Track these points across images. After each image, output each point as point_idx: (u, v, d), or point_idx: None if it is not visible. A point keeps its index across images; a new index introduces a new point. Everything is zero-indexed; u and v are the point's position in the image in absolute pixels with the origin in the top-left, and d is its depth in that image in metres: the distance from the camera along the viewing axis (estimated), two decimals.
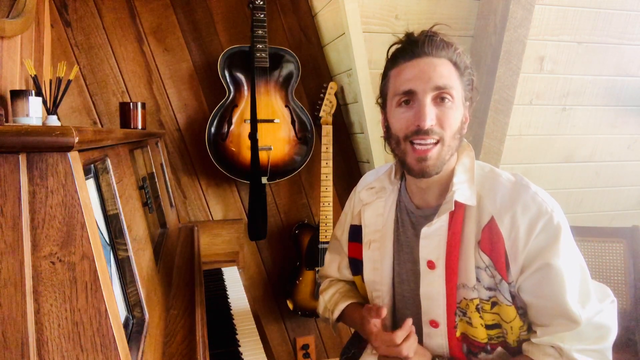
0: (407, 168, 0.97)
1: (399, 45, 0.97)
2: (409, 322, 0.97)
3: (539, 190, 0.94)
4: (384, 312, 0.98)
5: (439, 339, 1.02)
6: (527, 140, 2.14)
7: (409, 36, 0.96)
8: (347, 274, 1.21)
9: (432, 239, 0.97)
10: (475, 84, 0.99)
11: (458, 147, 0.97)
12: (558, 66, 2.02)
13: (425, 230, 0.98)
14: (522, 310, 0.96)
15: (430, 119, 0.90)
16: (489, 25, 1.88)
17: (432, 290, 0.99)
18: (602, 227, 1.86)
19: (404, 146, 0.95)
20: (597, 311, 0.92)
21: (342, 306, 1.17)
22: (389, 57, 0.99)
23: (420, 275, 1.00)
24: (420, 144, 0.92)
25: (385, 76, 1.00)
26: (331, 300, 1.20)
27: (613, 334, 0.94)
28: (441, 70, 0.91)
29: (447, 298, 0.98)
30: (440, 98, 0.92)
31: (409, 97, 0.93)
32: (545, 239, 0.89)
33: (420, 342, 1.03)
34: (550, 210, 0.90)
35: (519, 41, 1.83)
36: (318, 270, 2.15)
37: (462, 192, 0.94)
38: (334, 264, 1.24)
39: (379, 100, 1.03)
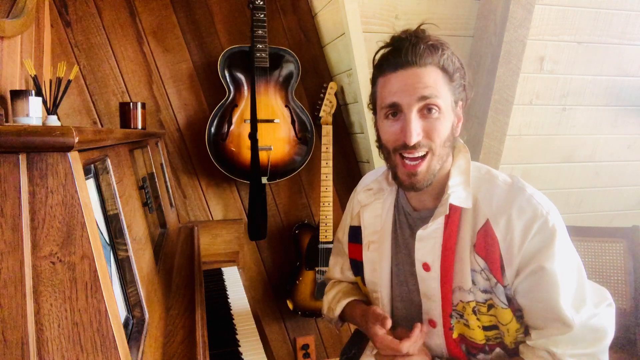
0: (399, 182, 0.97)
1: (385, 51, 0.95)
2: (417, 330, 0.96)
3: (535, 193, 0.93)
4: (389, 323, 0.97)
5: (436, 338, 1.02)
6: (527, 140, 2.14)
7: (394, 42, 0.93)
8: (349, 275, 1.21)
9: (427, 242, 0.97)
10: (470, 82, 0.97)
11: (450, 153, 0.97)
12: (558, 66, 2.02)
13: (420, 233, 0.97)
14: (519, 313, 0.96)
15: (416, 135, 0.89)
16: (489, 25, 1.88)
17: (428, 292, 0.99)
18: (602, 227, 1.86)
19: (394, 158, 0.95)
20: (592, 315, 0.92)
21: (343, 303, 1.17)
22: (374, 63, 0.97)
23: (418, 278, 1.00)
24: (409, 158, 0.92)
25: (373, 83, 0.99)
26: (334, 300, 1.21)
27: (609, 337, 0.94)
28: (426, 80, 0.89)
29: (442, 300, 0.98)
30: (427, 109, 0.90)
31: (395, 110, 0.92)
32: (540, 242, 0.89)
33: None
34: (546, 213, 0.89)
35: (519, 41, 1.82)
36: (318, 271, 2.15)
37: (457, 194, 0.94)
38: (338, 267, 1.24)
39: (370, 106, 1.03)
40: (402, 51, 0.90)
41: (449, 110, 0.93)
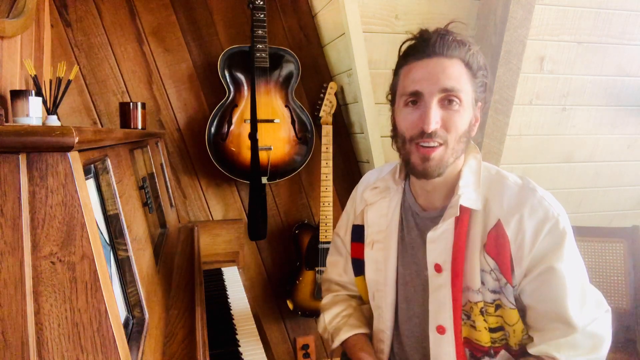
0: (411, 168, 0.96)
1: (411, 42, 0.95)
2: None
3: (546, 194, 0.93)
4: None
5: (445, 346, 0.99)
6: (527, 140, 2.14)
7: (422, 33, 0.94)
8: (351, 275, 1.19)
9: (439, 243, 0.96)
10: (490, 84, 0.97)
11: (464, 150, 0.96)
12: (558, 66, 2.02)
13: (431, 235, 0.97)
14: (523, 313, 0.96)
15: (434, 123, 0.89)
16: (489, 25, 1.88)
17: (439, 294, 0.98)
18: (602, 227, 1.87)
19: (409, 147, 0.94)
20: (593, 318, 0.92)
21: (342, 337, 1.14)
22: (400, 53, 0.97)
23: (429, 280, 0.99)
24: (424, 146, 0.92)
25: (396, 73, 0.99)
26: (331, 324, 1.17)
27: (607, 343, 0.94)
28: (451, 71, 0.90)
29: (453, 301, 0.97)
30: (447, 100, 0.90)
31: (416, 98, 0.92)
32: (550, 243, 0.89)
33: (427, 350, 1.01)
34: (557, 215, 0.90)
35: (519, 41, 1.83)
36: (318, 271, 2.15)
37: (467, 196, 0.94)
38: (338, 266, 1.21)
39: (389, 97, 1.02)
40: (430, 41, 0.91)
41: (469, 105, 0.93)
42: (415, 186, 1.04)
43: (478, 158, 1.00)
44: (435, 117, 0.90)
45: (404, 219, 1.06)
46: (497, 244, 0.92)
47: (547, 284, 0.90)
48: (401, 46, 0.97)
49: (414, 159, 0.94)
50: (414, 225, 1.04)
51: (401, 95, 0.95)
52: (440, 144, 0.91)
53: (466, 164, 0.98)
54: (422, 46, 0.92)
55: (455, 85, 0.89)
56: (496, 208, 0.93)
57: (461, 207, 0.93)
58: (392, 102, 1.01)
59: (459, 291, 0.96)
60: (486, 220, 0.94)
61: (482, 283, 0.94)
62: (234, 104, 2.00)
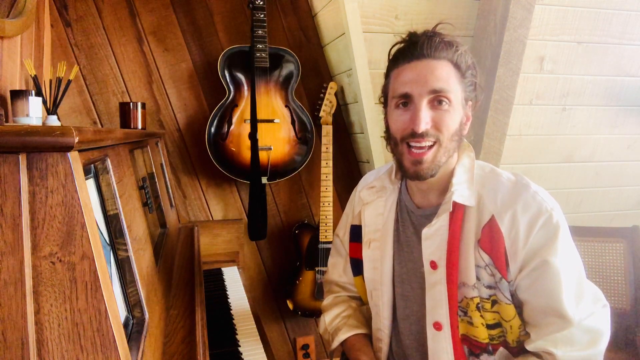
0: (403, 170, 0.98)
1: (400, 46, 0.97)
2: None
3: (539, 190, 0.95)
4: None
5: (443, 342, 1.00)
6: (527, 140, 2.14)
7: (410, 36, 0.96)
8: (351, 276, 1.20)
9: (434, 240, 0.98)
10: (480, 83, 0.99)
11: (457, 148, 0.98)
12: (558, 66, 2.02)
13: (426, 232, 0.98)
14: (520, 310, 0.96)
15: (424, 123, 0.91)
16: (489, 25, 1.88)
17: (435, 290, 0.99)
18: (602, 227, 1.87)
19: (401, 148, 0.96)
20: (590, 313, 0.92)
21: (341, 337, 1.15)
22: (390, 56, 0.99)
23: (425, 277, 1.00)
24: (416, 147, 0.93)
25: (387, 76, 1.01)
26: (332, 324, 1.19)
27: (605, 339, 0.94)
28: (439, 73, 0.91)
29: (449, 297, 0.98)
30: (437, 101, 0.92)
31: (406, 100, 0.94)
32: (544, 237, 0.90)
33: (426, 348, 1.02)
34: (550, 209, 0.91)
35: (519, 41, 1.83)
36: (318, 271, 2.15)
37: (460, 192, 0.95)
38: (338, 267, 1.23)
39: (381, 99, 1.04)
40: (417, 44, 0.93)
41: (459, 105, 0.94)
42: (411, 185, 1.05)
43: (471, 156, 1.02)
44: (425, 118, 0.91)
45: (400, 217, 1.08)
46: (491, 239, 0.93)
47: (542, 278, 0.91)
48: (391, 49, 1.00)
49: (406, 162, 0.96)
50: (410, 223, 1.06)
51: (392, 98, 0.97)
52: (433, 144, 0.93)
53: (459, 163, 1.00)
54: (410, 49, 0.94)
55: (443, 86, 0.91)
56: (490, 204, 0.94)
57: (455, 204, 0.95)
58: (385, 104, 1.03)
59: (454, 287, 0.97)
60: (480, 217, 0.95)
61: (478, 278, 0.95)
62: (234, 104, 2.00)
